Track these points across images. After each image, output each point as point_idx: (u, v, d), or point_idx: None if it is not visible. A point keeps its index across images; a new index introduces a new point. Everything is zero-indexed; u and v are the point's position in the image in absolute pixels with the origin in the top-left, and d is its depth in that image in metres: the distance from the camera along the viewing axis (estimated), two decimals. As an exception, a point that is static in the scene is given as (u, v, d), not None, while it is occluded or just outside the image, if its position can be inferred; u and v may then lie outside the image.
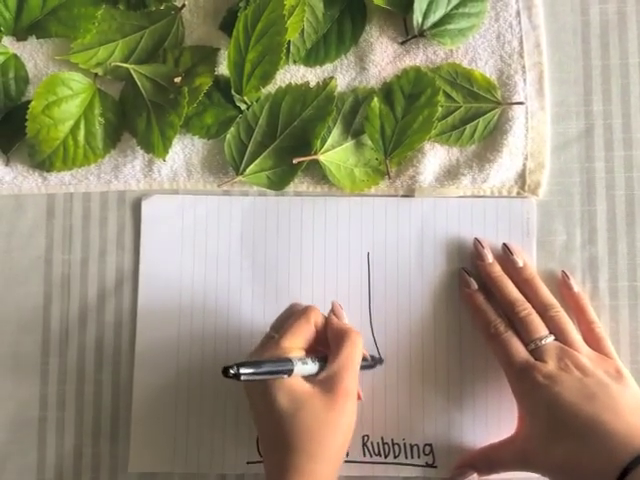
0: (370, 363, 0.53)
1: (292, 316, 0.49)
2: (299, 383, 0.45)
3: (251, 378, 0.43)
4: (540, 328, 0.50)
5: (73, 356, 0.55)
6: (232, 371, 0.42)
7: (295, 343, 0.47)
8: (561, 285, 0.54)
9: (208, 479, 0.54)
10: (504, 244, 0.54)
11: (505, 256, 0.53)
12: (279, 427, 0.44)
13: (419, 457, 0.54)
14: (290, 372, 0.45)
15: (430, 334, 0.55)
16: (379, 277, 0.55)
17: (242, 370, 0.43)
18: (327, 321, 0.49)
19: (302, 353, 0.47)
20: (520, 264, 0.53)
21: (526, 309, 0.51)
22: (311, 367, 0.46)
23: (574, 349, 0.49)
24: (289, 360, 0.45)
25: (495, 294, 0.53)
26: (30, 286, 0.55)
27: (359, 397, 0.50)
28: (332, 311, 0.50)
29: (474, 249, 0.54)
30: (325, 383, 0.46)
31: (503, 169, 0.55)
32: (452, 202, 0.55)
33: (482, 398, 0.54)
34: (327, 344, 0.48)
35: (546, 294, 0.52)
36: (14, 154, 0.56)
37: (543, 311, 0.51)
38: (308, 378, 0.46)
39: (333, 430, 0.45)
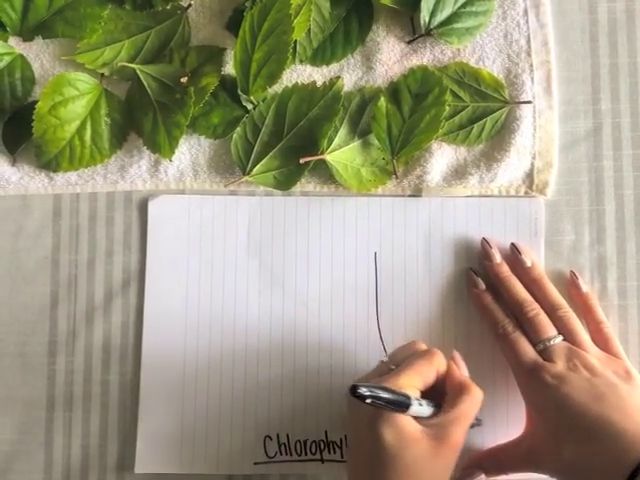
0: (476, 423, 0.51)
1: (414, 354, 0.48)
2: (409, 423, 0.44)
3: (372, 402, 0.42)
4: (548, 328, 0.50)
5: (80, 356, 0.55)
6: (362, 391, 0.41)
7: (413, 382, 0.45)
8: (569, 285, 0.54)
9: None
10: (512, 244, 0.53)
11: (513, 256, 0.53)
12: (379, 462, 0.43)
13: (427, 457, 0.54)
14: (407, 408, 0.43)
15: (438, 334, 0.54)
16: (386, 277, 0.55)
17: (367, 391, 0.41)
18: (448, 369, 0.48)
19: (418, 394, 0.46)
20: (528, 264, 0.53)
21: (534, 309, 0.51)
22: (426, 409, 0.45)
23: (583, 349, 0.49)
24: (408, 396, 0.44)
25: (503, 294, 0.53)
26: (37, 286, 0.55)
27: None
28: (453, 360, 0.49)
29: (482, 249, 0.54)
30: (436, 430, 0.44)
31: (511, 168, 0.54)
32: (459, 202, 0.55)
33: (490, 398, 0.53)
34: (442, 393, 0.47)
35: (554, 294, 0.52)
36: (20, 154, 0.56)
37: (551, 311, 0.51)
38: (418, 420, 0.45)
39: (432, 478, 0.44)
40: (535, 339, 0.50)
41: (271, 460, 0.54)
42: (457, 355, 0.50)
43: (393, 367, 0.47)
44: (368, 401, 0.42)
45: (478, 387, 0.47)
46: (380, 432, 0.43)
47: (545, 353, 0.49)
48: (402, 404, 0.43)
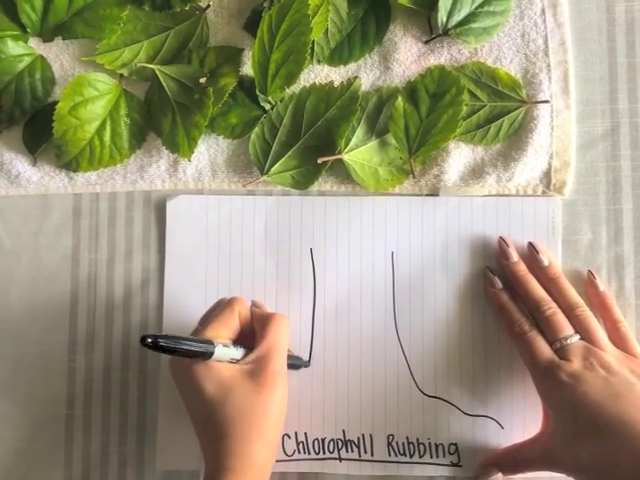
0: (295, 362, 0.53)
1: (216, 308, 0.49)
2: (226, 368, 0.46)
3: (171, 345, 0.43)
4: (565, 327, 0.50)
5: (100, 354, 0.55)
6: (149, 340, 0.42)
7: (220, 333, 0.47)
8: (587, 284, 0.54)
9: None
10: (529, 243, 0.53)
11: (530, 255, 0.53)
12: (211, 415, 0.45)
13: (444, 456, 0.54)
14: (211, 354, 0.45)
15: (455, 334, 0.55)
16: (403, 276, 0.55)
17: (161, 341, 0.42)
18: (251, 312, 0.50)
19: (229, 342, 0.47)
20: (546, 263, 0.53)
21: (551, 308, 0.51)
22: (235, 351, 0.46)
23: (599, 348, 0.49)
24: (210, 342, 0.45)
25: (520, 293, 0.53)
26: (57, 285, 0.56)
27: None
28: (254, 305, 0.51)
29: (499, 248, 0.54)
30: (253, 366, 0.46)
31: (528, 168, 0.54)
32: (477, 201, 0.55)
33: (507, 397, 0.54)
34: (254, 337, 0.48)
35: (572, 293, 0.52)
36: (41, 154, 0.56)
37: (569, 310, 0.51)
38: (235, 363, 0.46)
39: (265, 412, 0.45)
40: (552, 338, 0.50)
41: (289, 458, 0.54)
42: (256, 299, 0.52)
43: (200, 327, 0.48)
44: (164, 346, 0.43)
45: (280, 313, 0.49)
46: (202, 388, 0.45)
47: (562, 352, 0.49)
48: (204, 351, 0.44)
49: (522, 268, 0.53)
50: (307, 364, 0.54)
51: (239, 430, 0.44)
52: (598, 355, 0.49)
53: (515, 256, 0.53)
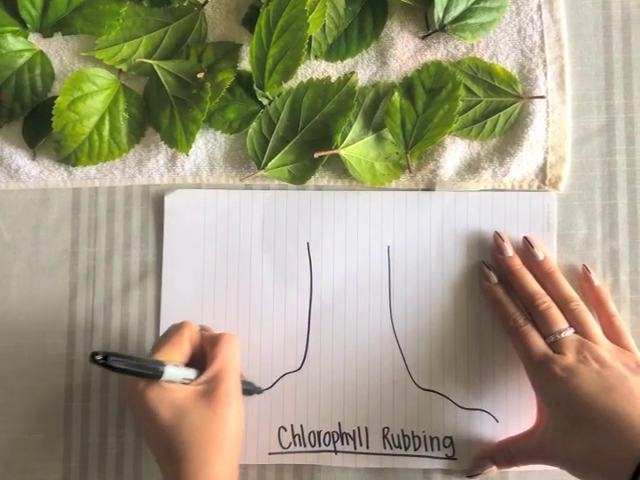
0: (247, 387, 0.52)
1: (166, 332, 0.49)
2: (179, 390, 0.45)
3: (122, 364, 0.43)
4: (560, 321, 0.50)
5: (98, 347, 0.56)
6: (99, 357, 0.42)
7: (171, 357, 0.46)
8: (582, 279, 0.54)
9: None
10: (525, 237, 0.54)
11: (525, 249, 0.54)
12: (168, 439, 0.44)
13: (439, 449, 0.54)
14: (162, 372, 0.44)
15: (451, 328, 0.55)
16: (399, 271, 0.56)
17: (111, 359, 0.42)
18: (200, 334, 0.49)
19: (179, 364, 0.47)
20: (541, 257, 0.53)
21: (545, 302, 0.51)
22: (186, 372, 0.46)
23: (593, 342, 0.50)
24: (161, 362, 0.45)
25: (515, 287, 0.53)
26: (56, 278, 0.57)
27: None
28: (202, 328, 0.51)
29: (494, 242, 0.54)
30: (206, 386, 0.46)
31: (524, 163, 0.55)
32: (472, 196, 0.56)
33: (502, 391, 0.54)
34: (205, 360, 0.48)
35: (566, 287, 0.52)
36: (40, 149, 0.57)
37: (563, 304, 0.51)
38: (189, 384, 0.46)
39: (222, 431, 0.45)
40: (546, 332, 0.50)
41: (285, 450, 0.55)
42: (204, 324, 0.53)
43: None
44: (115, 365, 0.42)
45: (229, 333, 0.48)
46: (156, 412, 0.44)
47: (555, 345, 0.50)
48: (156, 369, 0.44)
49: (517, 262, 0.53)
50: (260, 391, 0.54)
51: (197, 452, 0.44)
52: (592, 349, 0.49)
53: (510, 251, 0.54)
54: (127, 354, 0.44)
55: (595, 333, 0.50)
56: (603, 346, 0.50)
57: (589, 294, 0.54)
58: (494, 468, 0.52)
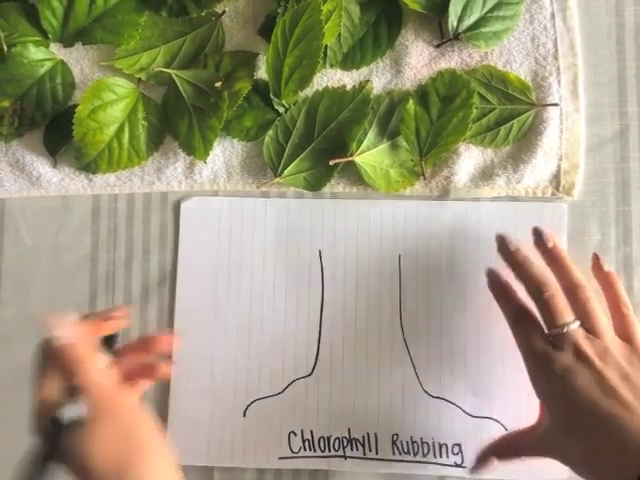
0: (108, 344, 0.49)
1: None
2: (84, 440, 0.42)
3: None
4: (564, 312, 0.47)
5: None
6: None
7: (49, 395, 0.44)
8: (592, 267, 0.52)
9: (246, 473, 0.56)
10: (534, 227, 0.51)
11: (535, 238, 0.51)
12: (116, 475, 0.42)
13: (448, 457, 0.54)
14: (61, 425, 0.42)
15: (461, 337, 0.55)
16: (410, 279, 0.56)
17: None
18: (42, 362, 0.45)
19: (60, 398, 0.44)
20: (550, 244, 0.50)
21: (549, 291, 0.47)
22: (78, 408, 0.43)
23: (599, 335, 0.47)
24: (54, 419, 0.42)
25: (520, 279, 0.50)
26: (76, 283, 0.58)
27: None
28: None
29: (496, 242, 0.51)
30: (93, 411, 0.43)
31: (537, 170, 0.55)
32: (484, 206, 0.56)
33: (512, 400, 0.54)
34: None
35: (575, 273, 0.49)
36: (61, 157, 0.58)
37: (571, 292, 0.48)
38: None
39: (141, 439, 0.44)
40: (549, 324, 0.47)
41: (295, 455, 0.55)
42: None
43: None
44: None
45: (61, 345, 0.44)
46: (92, 464, 0.42)
47: (557, 340, 0.47)
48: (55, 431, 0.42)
49: (521, 254, 0.50)
50: (117, 334, 0.49)
51: (134, 471, 0.42)
52: (595, 344, 0.46)
53: (514, 245, 0.50)
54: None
55: (601, 324, 0.47)
56: (608, 341, 0.46)
57: (600, 281, 0.51)
58: (496, 462, 0.51)
